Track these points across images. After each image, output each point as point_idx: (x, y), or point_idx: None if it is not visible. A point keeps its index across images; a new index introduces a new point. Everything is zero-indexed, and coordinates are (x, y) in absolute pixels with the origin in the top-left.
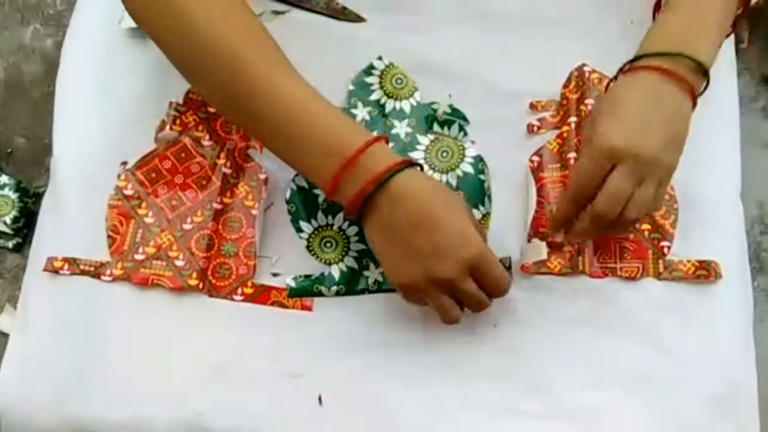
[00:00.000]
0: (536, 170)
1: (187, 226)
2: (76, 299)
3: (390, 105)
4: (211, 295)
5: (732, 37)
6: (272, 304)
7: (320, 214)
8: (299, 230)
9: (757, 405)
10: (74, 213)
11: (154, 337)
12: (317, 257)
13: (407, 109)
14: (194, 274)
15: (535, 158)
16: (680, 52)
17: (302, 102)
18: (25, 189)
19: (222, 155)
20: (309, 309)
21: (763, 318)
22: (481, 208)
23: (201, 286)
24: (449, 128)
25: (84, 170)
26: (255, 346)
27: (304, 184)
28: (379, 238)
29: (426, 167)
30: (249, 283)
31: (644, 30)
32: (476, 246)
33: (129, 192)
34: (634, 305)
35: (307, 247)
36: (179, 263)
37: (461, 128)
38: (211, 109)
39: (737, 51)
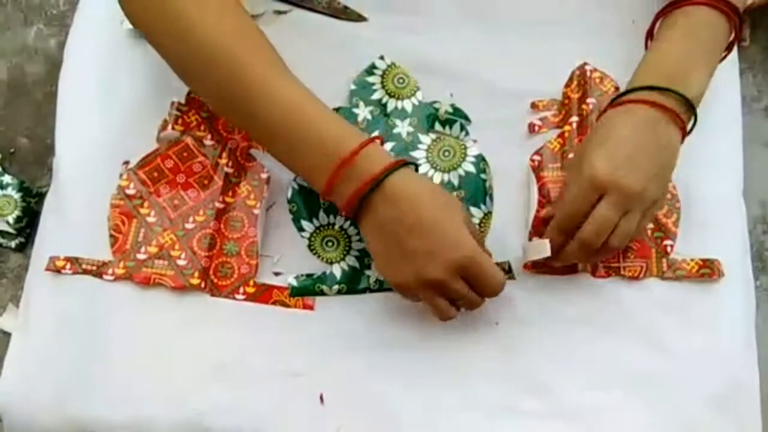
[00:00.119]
0: (537, 169)
1: (189, 226)
2: (78, 298)
3: (392, 104)
4: (212, 295)
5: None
6: (274, 303)
7: (322, 214)
8: (301, 229)
9: (759, 405)
10: (76, 212)
11: (156, 337)
12: (319, 256)
13: (409, 108)
14: (196, 274)
15: (536, 157)
16: (670, 88)
17: (298, 104)
18: (28, 189)
19: (224, 155)
20: (311, 308)
21: (765, 318)
22: (483, 207)
23: (203, 285)
24: (451, 127)
25: (86, 170)
26: (257, 346)
27: (306, 184)
28: (374, 238)
29: (428, 166)
30: (251, 283)
31: (644, 29)
32: (467, 248)
33: (131, 191)
34: (635, 305)
35: (309, 246)
36: (181, 262)
37: (463, 127)
38: None
39: (739, 50)
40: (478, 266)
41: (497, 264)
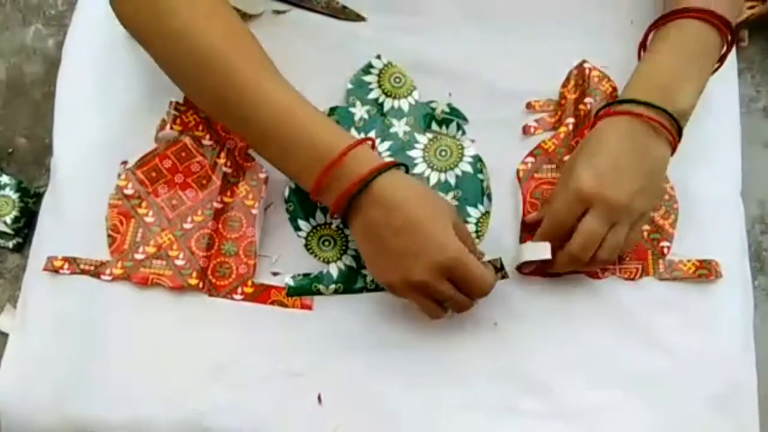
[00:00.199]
0: (529, 171)
1: (187, 226)
2: (76, 298)
3: (388, 104)
4: (211, 295)
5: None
6: (272, 303)
7: (318, 213)
8: (298, 229)
9: (756, 404)
10: (74, 212)
11: (154, 337)
12: (316, 256)
13: (405, 107)
14: (194, 274)
15: (530, 159)
16: (656, 104)
17: (289, 107)
18: (26, 189)
19: (222, 155)
20: (309, 308)
21: (763, 318)
22: (480, 207)
23: (201, 285)
24: (447, 127)
25: (84, 170)
26: (255, 346)
27: None
28: (362, 239)
29: (424, 166)
30: (249, 283)
31: (642, 30)
32: (452, 250)
33: (129, 191)
34: (633, 305)
35: (306, 245)
36: (179, 262)
37: (459, 127)
38: None
39: (738, 51)
40: (464, 268)
41: (489, 261)
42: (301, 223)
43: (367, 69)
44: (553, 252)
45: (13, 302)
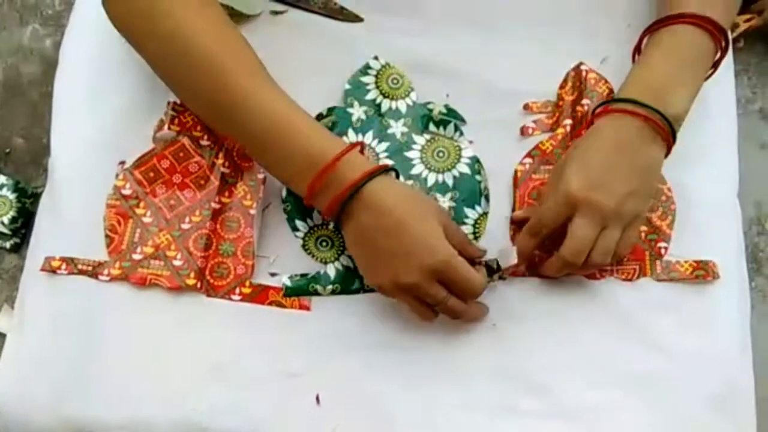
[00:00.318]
0: (527, 172)
1: (185, 226)
2: (73, 299)
3: (386, 104)
4: (208, 295)
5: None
6: (270, 303)
7: (315, 214)
8: (295, 229)
9: (754, 405)
10: (72, 213)
11: (152, 337)
12: (313, 256)
13: (403, 108)
14: (192, 274)
15: (527, 160)
16: (650, 105)
17: (281, 112)
18: (23, 189)
19: (220, 155)
20: (307, 308)
21: (760, 319)
22: (478, 208)
23: (199, 285)
24: (445, 128)
25: (82, 170)
26: (253, 346)
27: None
28: (354, 242)
29: (422, 167)
30: (247, 283)
31: (639, 33)
32: (440, 253)
33: (127, 192)
34: (631, 306)
35: (303, 246)
36: (177, 263)
37: (457, 128)
38: None
39: (734, 52)
40: (453, 271)
41: (486, 262)
42: (299, 223)
43: (365, 70)
44: (545, 254)
45: (11, 303)
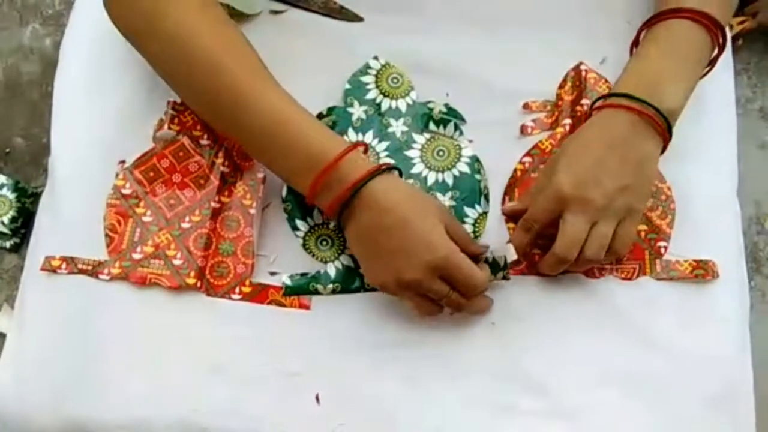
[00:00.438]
0: (527, 171)
1: (185, 225)
2: (73, 298)
3: (386, 104)
4: (208, 294)
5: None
6: (270, 303)
7: (316, 213)
8: (295, 228)
9: (753, 405)
10: (72, 212)
11: (152, 336)
12: (313, 255)
13: (403, 107)
14: (192, 273)
15: (527, 159)
16: (644, 99)
17: (283, 111)
18: (23, 189)
19: (220, 154)
20: (307, 308)
21: (759, 319)
22: (478, 207)
23: (199, 285)
24: (445, 127)
25: (82, 169)
26: (253, 345)
27: None
28: (356, 241)
29: (422, 166)
30: (247, 282)
31: None
32: (442, 249)
33: (127, 191)
34: (631, 305)
35: (303, 245)
36: (177, 262)
37: (457, 127)
38: None
39: (734, 52)
40: (455, 267)
41: (493, 257)
42: (299, 222)
43: (365, 69)
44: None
45: (11, 303)
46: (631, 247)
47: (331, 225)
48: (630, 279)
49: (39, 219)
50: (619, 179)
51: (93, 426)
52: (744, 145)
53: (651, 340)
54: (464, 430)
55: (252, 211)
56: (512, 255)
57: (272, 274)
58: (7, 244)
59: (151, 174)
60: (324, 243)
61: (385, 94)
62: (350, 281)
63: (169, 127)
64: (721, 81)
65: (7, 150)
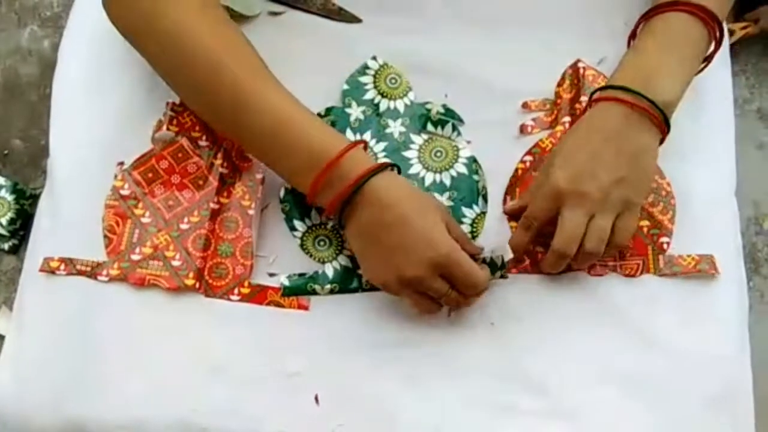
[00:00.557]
0: (528, 170)
1: (183, 226)
2: (72, 299)
3: (384, 104)
4: (207, 295)
5: (726, 37)
6: (269, 303)
7: (314, 213)
8: (293, 229)
9: (752, 405)
10: (71, 213)
11: (151, 337)
12: (311, 256)
13: (401, 108)
14: (191, 274)
15: (528, 158)
16: (639, 91)
17: (284, 110)
18: (22, 191)
19: (219, 155)
20: (305, 308)
21: (758, 319)
22: (476, 207)
23: (198, 286)
24: (443, 128)
25: (81, 171)
26: (252, 346)
27: None
28: (356, 240)
29: (420, 166)
30: (245, 283)
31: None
32: (442, 247)
33: (126, 192)
34: (630, 304)
35: (301, 245)
36: (176, 263)
37: (455, 128)
38: None
39: (732, 53)
40: (456, 265)
41: (491, 257)
42: (297, 223)
43: (363, 70)
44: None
45: (9, 304)
46: (634, 243)
47: (329, 225)
48: (634, 275)
49: (38, 220)
50: (614, 171)
51: (92, 426)
52: (742, 145)
53: (650, 339)
54: (464, 430)
55: (251, 212)
56: (509, 255)
57: (271, 275)
58: (6, 246)
59: (150, 175)
60: (322, 243)
61: (383, 95)
62: (348, 281)
63: (168, 128)
64: (719, 78)
65: (6, 152)
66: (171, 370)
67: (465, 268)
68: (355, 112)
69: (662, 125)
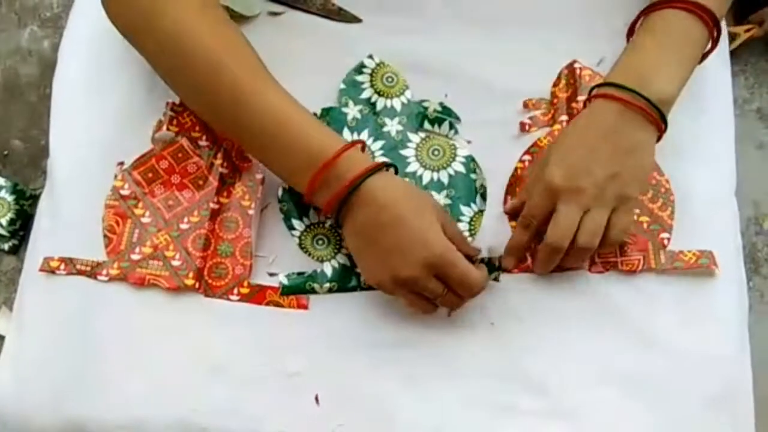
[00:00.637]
0: (527, 169)
1: (183, 226)
2: (72, 299)
3: (381, 103)
4: (207, 295)
5: (726, 37)
6: (268, 303)
7: (312, 212)
8: (291, 228)
9: (752, 405)
10: (71, 213)
11: (151, 337)
12: (310, 255)
13: (398, 106)
14: (191, 274)
15: (527, 157)
16: (634, 89)
17: (282, 110)
18: (22, 191)
19: (219, 156)
20: (305, 308)
21: (758, 319)
22: (474, 206)
23: (197, 285)
24: (440, 126)
25: (81, 171)
26: (252, 346)
27: None
28: (353, 239)
29: (417, 165)
30: (245, 283)
31: None
32: (437, 247)
33: (126, 192)
34: (630, 304)
35: (300, 245)
36: (176, 263)
37: (452, 126)
38: None
39: (732, 52)
40: (450, 266)
41: (489, 258)
42: (295, 222)
43: (360, 69)
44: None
45: (9, 305)
46: (635, 239)
47: (327, 224)
48: (635, 271)
49: (38, 220)
50: (609, 167)
51: (92, 426)
52: (741, 145)
53: (650, 339)
54: (464, 430)
55: (250, 212)
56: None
57: (271, 275)
58: (6, 246)
59: (150, 175)
60: (320, 242)
61: (379, 93)
62: (347, 280)
63: (168, 129)
64: (719, 78)
65: (6, 152)
66: (171, 369)
67: (459, 268)
68: (352, 111)
69: (658, 122)
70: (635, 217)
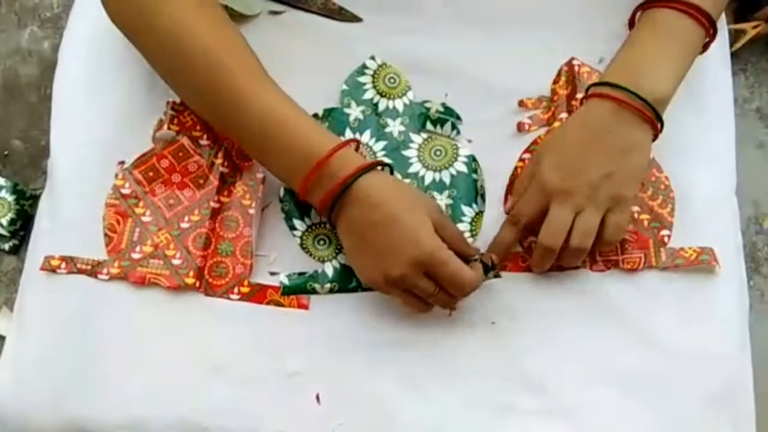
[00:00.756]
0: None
1: (184, 225)
2: (73, 298)
3: (383, 104)
4: (207, 294)
5: (726, 37)
6: (269, 303)
7: (313, 212)
8: (293, 228)
9: (753, 403)
10: (71, 212)
11: (151, 336)
12: (311, 255)
13: (400, 107)
14: (191, 273)
15: (526, 156)
16: (629, 88)
17: (279, 111)
18: (22, 191)
19: (219, 155)
20: (305, 307)
21: (758, 318)
22: (475, 206)
23: (198, 284)
24: (442, 127)
25: (81, 170)
26: (252, 345)
27: None
28: (346, 237)
29: (419, 165)
30: (245, 282)
31: None
32: (427, 245)
33: (126, 191)
34: (630, 303)
35: (301, 245)
36: (176, 262)
37: (454, 126)
38: None
39: (732, 52)
40: (440, 265)
41: (481, 258)
42: (296, 222)
43: (362, 70)
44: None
45: (10, 305)
46: (636, 237)
47: (328, 225)
48: (636, 269)
49: (38, 220)
50: (603, 167)
51: (92, 426)
52: (742, 145)
53: (650, 338)
54: (463, 430)
55: (251, 211)
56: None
57: (272, 274)
58: (6, 246)
59: (151, 174)
60: (321, 242)
61: (382, 94)
62: (347, 281)
63: (169, 128)
64: (719, 78)
65: (6, 152)
66: (171, 369)
67: (450, 267)
68: (355, 112)
69: (654, 122)
70: (635, 215)
